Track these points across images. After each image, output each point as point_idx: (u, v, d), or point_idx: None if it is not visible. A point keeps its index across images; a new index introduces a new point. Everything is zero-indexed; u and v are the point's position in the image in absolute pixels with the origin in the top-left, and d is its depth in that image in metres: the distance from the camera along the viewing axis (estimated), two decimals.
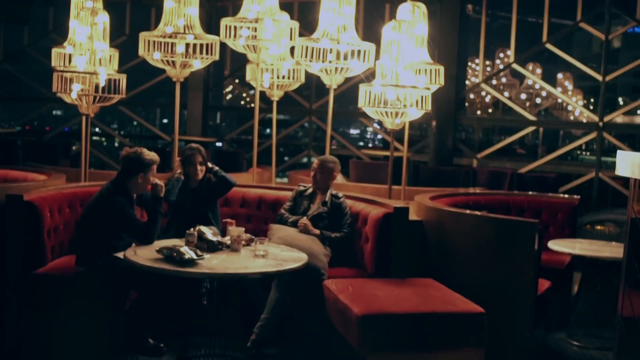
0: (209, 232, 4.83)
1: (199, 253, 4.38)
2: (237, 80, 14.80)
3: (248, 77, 7.73)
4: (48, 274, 4.99)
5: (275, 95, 7.75)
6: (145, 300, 4.94)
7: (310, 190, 5.81)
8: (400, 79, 6.20)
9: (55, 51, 6.82)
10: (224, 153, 12.19)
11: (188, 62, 6.68)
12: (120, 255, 4.75)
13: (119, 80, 6.29)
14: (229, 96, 26.05)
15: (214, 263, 4.40)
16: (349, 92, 12.62)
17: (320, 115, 12.59)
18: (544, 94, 15.61)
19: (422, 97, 6.19)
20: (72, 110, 14.00)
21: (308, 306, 5.25)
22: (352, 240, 5.66)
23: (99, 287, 4.90)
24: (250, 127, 16.92)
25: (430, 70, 6.98)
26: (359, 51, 6.58)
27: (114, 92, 6.30)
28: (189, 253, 4.32)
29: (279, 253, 4.81)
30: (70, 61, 6.43)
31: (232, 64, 14.03)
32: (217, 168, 5.72)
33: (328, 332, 4.97)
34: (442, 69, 6.91)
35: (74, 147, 13.49)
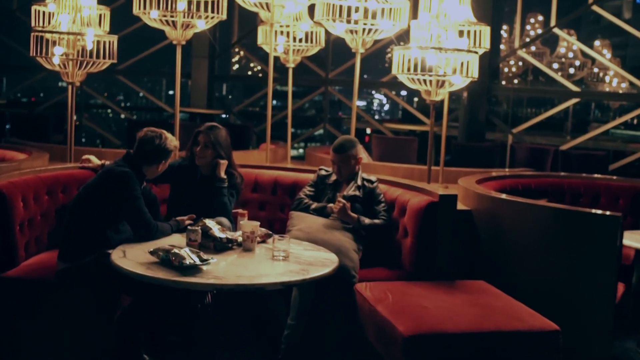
0: (216, 228, 3.98)
1: (204, 257, 3.53)
2: (241, 53, 13.89)
3: (260, 41, 6.83)
4: (20, 278, 4.17)
5: (291, 61, 6.86)
6: (139, 307, 4.14)
7: (334, 178, 4.94)
8: (442, 40, 5.31)
9: (34, 9, 5.90)
10: (232, 127, 11.27)
11: (191, 22, 5.79)
12: (112, 251, 3.92)
13: (110, 42, 5.41)
14: (236, 66, 25.12)
15: (222, 269, 3.55)
16: (364, 59, 11.73)
17: (337, 85, 11.69)
18: (577, 63, 14.60)
19: (467, 62, 5.29)
20: (85, 80, 13.06)
21: (336, 314, 4.42)
22: (387, 233, 4.81)
23: (84, 290, 4.11)
24: (258, 99, 16.14)
25: (474, 31, 6.07)
26: (390, 9, 5.70)
27: (104, 57, 5.41)
28: (190, 257, 3.47)
29: (302, 253, 3.96)
30: (51, 21, 5.53)
31: (240, 28, 13.10)
32: (225, 184, 4.73)
33: (361, 345, 4.16)
34: (487, 30, 6.00)
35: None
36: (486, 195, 4.85)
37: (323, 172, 5.01)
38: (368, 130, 20.00)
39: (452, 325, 3.64)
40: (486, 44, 6.00)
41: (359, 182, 4.85)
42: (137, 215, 4.11)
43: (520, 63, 15.41)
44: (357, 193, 4.80)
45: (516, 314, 3.86)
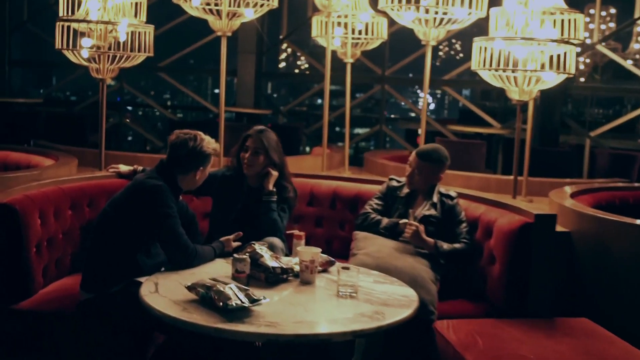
0: (268, 255, 3.31)
1: (254, 295, 2.85)
2: (289, 50, 13.21)
3: (314, 33, 6.15)
4: (34, 311, 3.54)
5: (349, 55, 6.18)
6: (174, 347, 3.50)
7: (406, 190, 4.23)
8: (530, 30, 4.57)
9: None
10: (280, 128, 10.61)
11: (237, 11, 5.14)
12: (143, 280, 3.28)
13: (145, 33, 4.78)
14: (282, 64, 24.50)
15: (276, 310, 2.87)
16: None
17: (394, 84, 10.95)
18: None
19: (564, 55, 4.53)
20: (129, 78, 12.49)
21: (411, 358, 3.73)
22: (468, 259, 4.08)
23: (110, 326, 3.49)
24: (307, 99, 15.45)
25: (562, 20, 5.29)
26: None
27: (138, 50, 4.79)
28: (237, 296, 2.80)
29: (373, 288, 3.27)
30: (78, 8, 4.91)
31: (289, 23, 12.45)
32: (274, 198, 4.04)
33: None
34: (580, 18, 5.22)
35: (111, 119, 12.15)
36: (589, 215, 4.08)
37: (394, 183, 4.31)
38: (420, 131, 19.20)
39: None
40: (579, 35, 5.22)
41: (435, 198, 4.13)
42: (171, 237, 3.46)
43: (587, 60, 14.43)
44: (432, 212, 4.09)
45: None
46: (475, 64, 4.60)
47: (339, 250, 4.64)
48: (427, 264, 3.88)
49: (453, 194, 4.19)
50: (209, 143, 3.66)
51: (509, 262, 3.82)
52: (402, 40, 11.27)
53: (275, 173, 4.03)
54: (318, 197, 4.78)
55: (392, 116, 18.15)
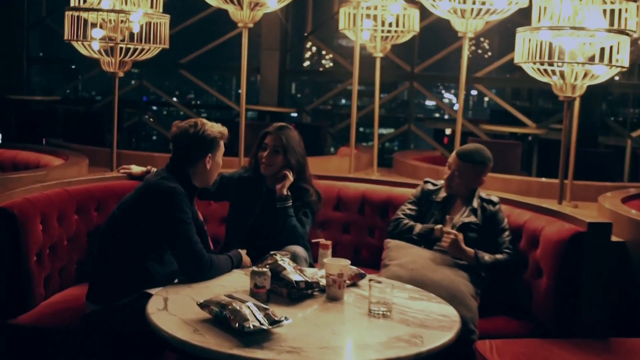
0: (290, 267, 2.98)
1: (274, 316, 2.51)
2: (313, 49, 12.82)
3: (342, 26, 5.80)
4: (34, 325, 3.23)
5: (378, 49, 5.83)
6: None
7: (443, 194, 3.87)
8: (579, 20, 4.19)
9: None
10: (305, 127, 10.26)
11: (259, 1, 4.82)
12: (154, 292, 2.96)
13: (161, 24, 4.47)
14: (306, 63, 24.16)
15: (299, 333, 2.54)
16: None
17: (423, 81, 10.55)
18: None
19: (618, 46, 4.15)
20: (152, 77, 12.18)
21: None
22: (511, 271, 3.71)
23: (119, 342, 3.17)
24: (331, 98, 15.06)
25: (610, 10, 4.90)
26: None
27: (154, 42, 4.47)
28: (255, 317, 2.46)
29: (409, 305, 2.92)
30: None
31: (315, 20, 12.11)
32: (289, 203, 3.70)
33: None
34: (634, 7, 4.82)
35: (135, 118, 11.88)
36: None
37: (430, 187, 3.95)
38: (447, 131, 18.73)
39: None
40: (631, 26, 4.82)
41: (475, 203, 3.77)
42: (185, 245, 3.14)
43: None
44: (472, 219, 3.73)
45: None
46: (518, 57, 4.23)
47: (368, 259, 4.31)
48: (466, 277, 3.53)
49: (495, 199, 3.82)
50: (213, 127, 3.36)
51: (558, 276, 3.45)
52: (429, 36, 10.92)
53: (291, 177, 3.69)
54: (345, 201, 4.44)
55: (419, 115, 17.73)
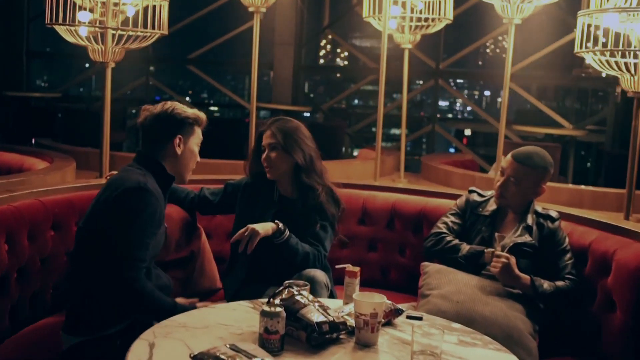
0: (311, 304, 2.38)
1: None
2: (328, 47, 12.20)
3: (366, 13, 5.19)
4: None
5: (407, 40, 5.23)
6: None
7: (492, 207, 3.26)
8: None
9: None
10: (320, 127, 9.65)
11: None
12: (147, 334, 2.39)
13: (157, 7, 3.89)
14: (321, 61, 23.58)
15: None
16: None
17: (449, 77, 9.92)
18: None
19: None
20: (165, 75, 11.59)
21: None
22: (574, 301, 3.10)
23: None
24: (345, 98, 14.46)
25: None
26: None
27: (152, 27, 3.89)
28: None
29: (460, 354, 2.32)
30: None
31: (331, 14, 11.51)
32: (287, 234, 3.08)
33: None
34: None
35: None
36: None
37: (476, 197, 3.35)
38: (467, 132, 18.04)
39: None
40: None
41: (530, 219, 3.16)
42: (124, 249, 2.61)
43: None
44: (527, 238, 3.12)
45: None
46: (579, 46, 3.61)
47: (398, 281, 3.75)
48: (522, 310, 2.93)
49: (554, 214, 3.22)
50: (185, 109, 2.90)
51: (635, 309, 2.84)
52: (453, 31, 10.30)
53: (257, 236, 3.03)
54: (372, 213, 3.84)
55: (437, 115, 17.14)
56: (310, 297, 2.44)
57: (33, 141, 6.92)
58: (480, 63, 29.38)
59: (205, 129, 3.00)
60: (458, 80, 21.36)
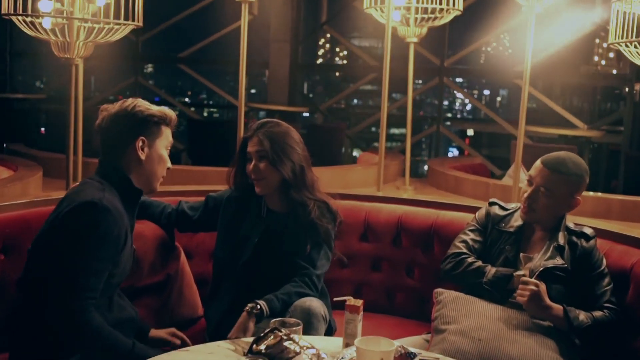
0: (298, 344, 1.95)
1: None
2: (327, 46, 11.78)
3: (366, 5, 4.76)
4: None
5: (412, 33, 4.80)
6: None
7: (517, 222, 2.81)
8: None
9: None
10: (319, 128, 9.23)
11: None
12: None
13: None
14: (319, 60, 23.20)
15: None
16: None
17: (455, 75, 9.49)
18: None
19: None
20: (164, 76, 11.21)
21: None
22: (613, 332, 2.66)
23: None
24: (343, 98, 14.07)
25: None
26: None
27: (126, 18, 3.45)
28: None
29: None
30: None
31: (329, 10, 11.11)
32: (259, 306, 2.55)
33: None
34: None
35: None
36: None
37: (497, 210, 2.90)
38: (469, 132, 17.63)
39: None
40: None
41: (562, 238, 2.72)
42: (69, 279, 2.21)
43: None
44: (558, 261, 2.67)
45: None
46: (613, 36, 3.18)
47: (405, 306, 3.33)
48: (554, 348, 2.48)
49: (589, 231, 2.78)
50: (150, 106, 2.47)
51: None
52: (458, 26, 9.93)
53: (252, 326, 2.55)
54: (375, 228, 3.40)
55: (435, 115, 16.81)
56: (302, 341, 2.00)
57: (4, 146, 6.49)
58: (482, 61, 29.04)
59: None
60: (456, 79, 21.07)
